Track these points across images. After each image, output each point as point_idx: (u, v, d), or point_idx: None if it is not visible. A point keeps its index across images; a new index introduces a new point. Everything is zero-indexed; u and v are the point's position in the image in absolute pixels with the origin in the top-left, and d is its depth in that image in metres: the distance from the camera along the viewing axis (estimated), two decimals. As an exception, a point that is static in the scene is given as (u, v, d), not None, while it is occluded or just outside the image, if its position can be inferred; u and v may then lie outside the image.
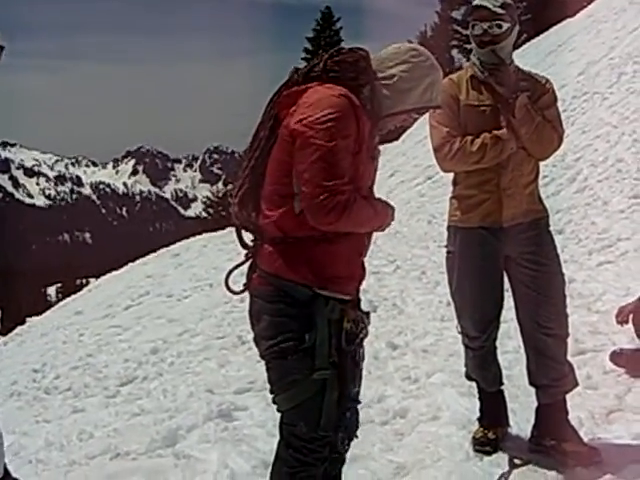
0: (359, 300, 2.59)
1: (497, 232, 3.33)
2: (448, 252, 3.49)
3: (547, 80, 3.41)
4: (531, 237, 3.34)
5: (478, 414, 3.61)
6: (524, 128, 3.24)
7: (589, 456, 3.27)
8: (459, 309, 3.51)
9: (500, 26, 3.21)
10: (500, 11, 3.19)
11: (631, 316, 4.40)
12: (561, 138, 3.37)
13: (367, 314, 2.55)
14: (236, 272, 2.56)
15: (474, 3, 3.28)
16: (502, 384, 3.58)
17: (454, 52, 36.19)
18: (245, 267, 2.54)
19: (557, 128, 3.35)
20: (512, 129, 3.25)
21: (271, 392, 2.47)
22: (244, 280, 2.53)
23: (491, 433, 3.50)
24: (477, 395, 3.63)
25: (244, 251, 2.55)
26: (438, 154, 3.35)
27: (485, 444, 3.49)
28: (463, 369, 3.67)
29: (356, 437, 2.57)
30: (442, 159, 3.34)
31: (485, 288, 3.39)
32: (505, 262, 3.39)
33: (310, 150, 2.27)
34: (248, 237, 2.54)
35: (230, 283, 2.56)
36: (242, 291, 2.52)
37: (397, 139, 20.92)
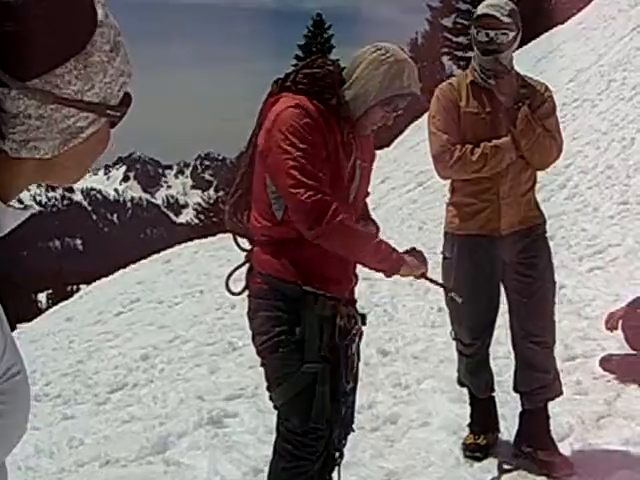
0: (355, 300, 2.65)
1: (495, 240, 3.32)
2: (444, 258, 3.46)
3: (547, 87, 3.37)
4: (528, 245, 3.33)
5: (468, 420, 3.62)
6: (525, 139, 3.21)
7: (560, 467, 3.28)
8: (454, 315, 3.50)
9: (506, 34, 3.15)
10: (507, 20, 3.12)
11: (620, 322, 4.42)
12: (560, 148, 3.34)
13: (363, 316, 2.63)
14: (224, 279, 2.62)
15: (480, 10, 3.20)
16: (493, 391, 3.58)
17: (445, 59, 36.37)
18: (242, 271, 2.63)
19: (556, 138, 3.31)
20: (512, 138, 3.22)
21: (268, 389, 2.54)
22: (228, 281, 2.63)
23: (481, 439, 3.51)
24: (468, 401, 3.63)
25: (235, 258, 2.67)
26: (438, 162, 3.30)
27: (475, 450, 3.49)
28: (454, 375, 3.68)
29: (352, 431, 2.63)
30: (442, 167, 3.30)
31: (481, 295, 3.37)
32: (502, 269, 3.38)
33: (282, 162, 2.34)
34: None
35: (220, 291, 2.60)
36: (241, 292, 2.60)
37: (388, 145, 20.97)
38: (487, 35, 3.17)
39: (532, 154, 3.26)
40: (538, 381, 3.38)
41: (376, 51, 2.47)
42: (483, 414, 3.57)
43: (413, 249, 2.64)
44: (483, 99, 3.27)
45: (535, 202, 3.44)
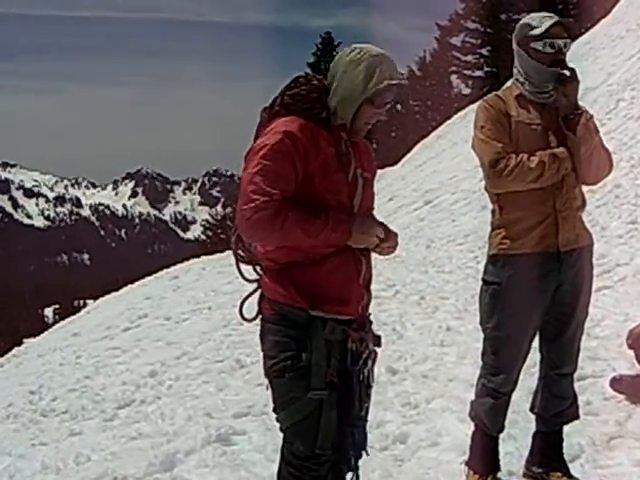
0: (370, 322, 2.63)
1: (553, 257, 3.16)
2: (488, 284, 3.25)
3: (586, 110, 3.28)
4: (580, 268, 3.22)
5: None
6: (584, 146, 3.08)
7: None
8: (495, 346, 3.25)
9: (571, 41, 3.12)
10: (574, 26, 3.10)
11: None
12: (612, 165, 3.24)
13: (378, 337, 2.63)
14: (235, 296, 2.60)
15: (548, 23, 3.10)
16: (504, 428, 3.43)
17: (453, 78, 36.51)
18: (241, 292, 2.63)
19: (609, 153, 3.22)
20: (568, 148, 3.11)
21: (274, 411, 2.53)
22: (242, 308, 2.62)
23: (490, 479, 3.36)
24: (473, 440, 3.44)
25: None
26: (493, 170, 3.09)
27: None
28: (463, 394, 3.64)
29: (367, 454, 2.62)
30: (497, 175, 3.09)
31: (532, 324, 3.22)
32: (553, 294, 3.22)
33: (242, 182, 2.44)
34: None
35: (228, 308, 2.60)
36: (254, 318, 2.58)
37: (396, 164, 21.00)
38: (556, 46, 3.10)
39: (589, 164, 3.12)
40: (556, 407, 3.34)
41: (351, 52, 2.51)
42: (492, 453, 3.40)
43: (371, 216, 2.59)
44: (532, 111, 3.17)
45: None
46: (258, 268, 2.60)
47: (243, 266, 2.64)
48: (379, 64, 2.46)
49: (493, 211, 3.31)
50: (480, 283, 3.35)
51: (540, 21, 3.12)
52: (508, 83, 3.35)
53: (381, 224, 2.57)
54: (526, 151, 3.11)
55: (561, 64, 3.13)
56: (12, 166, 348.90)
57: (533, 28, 3.12)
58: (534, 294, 3.17)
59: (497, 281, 3.22)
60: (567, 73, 3.13)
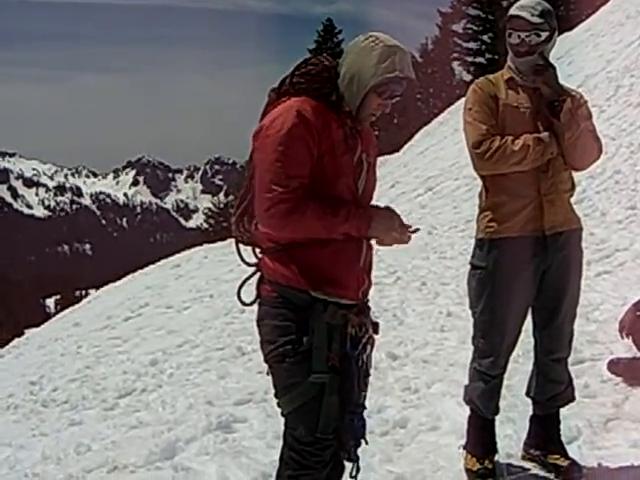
0: (369, 308, 2.62)
1: (538, 241, 3.17)
2: (475, 268, 3.28)
3: (582, 95, 3.31)
4: (568, 252, 3.22)
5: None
6: (568, 132, 3.09)
7: (568, 471, 3.28)
8: (484, 329, 3.29)
9: (538, 35, 3.10)
10: (537, 20, 3.07)
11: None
12: (601, 149, 3.24)
13: (376, 324, 2.61)
14: (236, 284, 2.61)
15: (511, 12, 3.16)
16: (499, 410, 3.46)
17: (455, 64, 36.37)
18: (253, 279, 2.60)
19: (598, 139, 3.22)
20: (554, 133, 3.12)
21: (275, 396, 2.52)
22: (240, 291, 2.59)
23: (487, 462, 3.37)
24: (469, 424, 3.46)
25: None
26: (476, 151, 3.13)
27: (487, 476, 3.34)
28: (463, 379, 3.63)
29: (366, 443, 2.58)
30: (480, 157, 3.12)
31: (520, 308, 3.24)
32: (540, 277, 3.24)
33: (258, 167, 2.42)
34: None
35: (229, 296, 2.60)
36: (253, 302, 2.57)
37: (398, 150, 20.97)
38: (518, 37, 3.13)
39: (574, 149, 3.12)
40: (551, 391, 3.36)
41: (366, 40, 2.46)
42: (489, 435, 3.43)
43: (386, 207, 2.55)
44: (522, 94, 3.19)
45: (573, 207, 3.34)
46: (258, 250, 2.57)
47: (243, 249, 2.62)
48: (392, 55, 2.42)
49: (480, 194, 3.33)
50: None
51: (515, 10, 3.15)
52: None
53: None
54: (512, 134, 3.12)
55: (524, 56, 3.14)
56: (11, 155, 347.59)
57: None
58: (520, 278, 3.19)
59: (484, 265, 3.24)
60: (541, 62, 3.14)
